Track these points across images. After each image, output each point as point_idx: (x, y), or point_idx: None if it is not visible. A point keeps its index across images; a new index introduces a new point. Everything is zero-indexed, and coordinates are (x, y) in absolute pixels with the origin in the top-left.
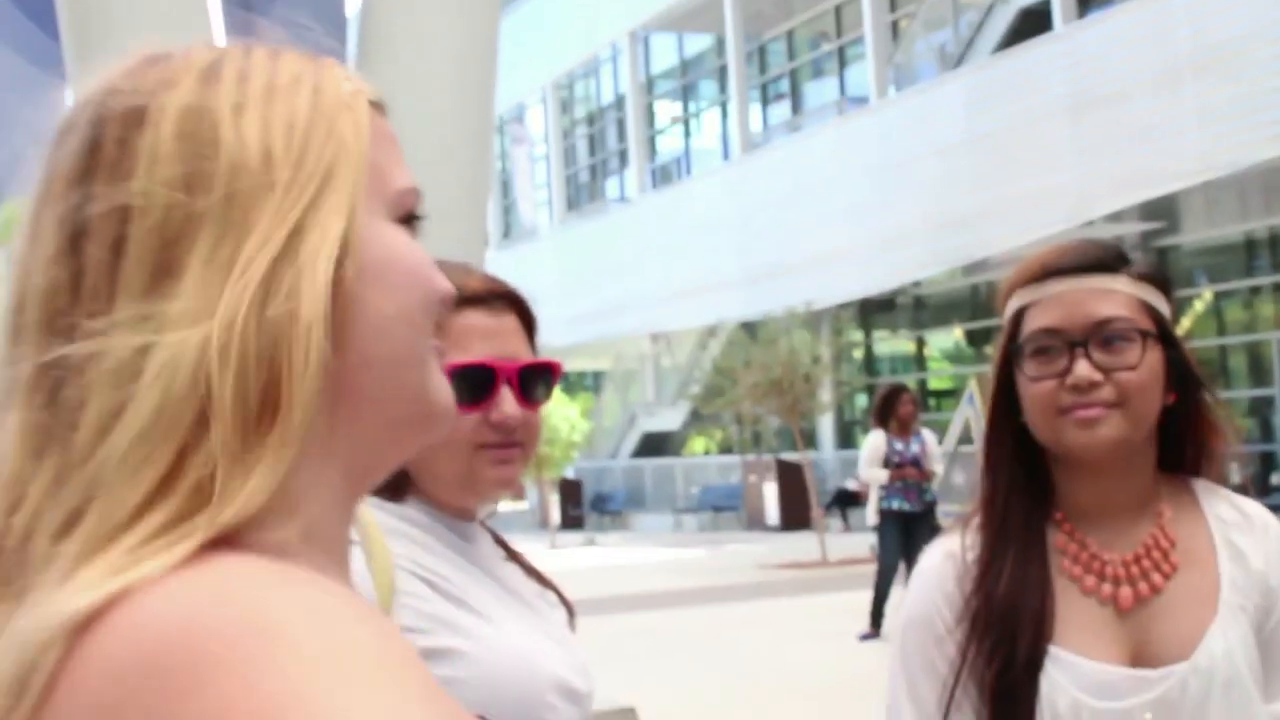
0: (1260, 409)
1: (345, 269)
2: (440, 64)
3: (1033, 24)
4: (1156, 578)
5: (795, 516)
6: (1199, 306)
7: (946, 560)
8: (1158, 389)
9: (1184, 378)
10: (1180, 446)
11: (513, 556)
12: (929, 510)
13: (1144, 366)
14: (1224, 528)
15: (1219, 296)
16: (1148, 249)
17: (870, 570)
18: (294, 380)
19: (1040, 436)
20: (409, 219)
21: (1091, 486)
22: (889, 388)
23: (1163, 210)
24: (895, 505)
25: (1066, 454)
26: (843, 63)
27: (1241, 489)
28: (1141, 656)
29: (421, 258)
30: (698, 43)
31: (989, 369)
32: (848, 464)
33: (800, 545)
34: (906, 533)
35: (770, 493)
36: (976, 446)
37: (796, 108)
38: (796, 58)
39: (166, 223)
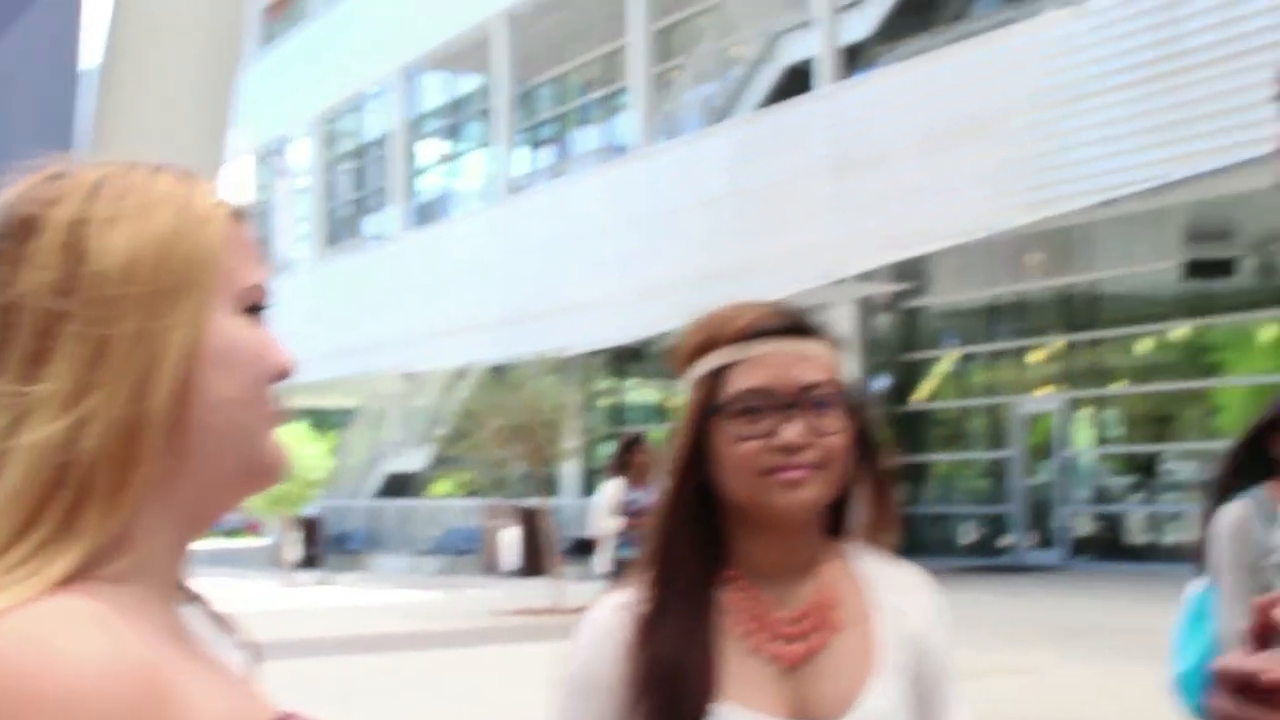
0: (996, 471)
1: (191, 362)
2: (181, 95)
3: (798, 82)
4: (821, 635)
5: (535, 562)
6: (943, 368)
7: (615, 613)
8: (851, 453)
9: (868, 445)
10: (841, 509)
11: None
12: None
13: (844, 432)
14: (882, 588)
15: (963, 359)
16: (897, 309)
17: None
18: (136, 458)
19: (738, 495)
20: (255, 309)
21: (770, 546)
22: (627, 437)
23: (914, 272)
24: (628, 554)
25: (764, 514)
26: (610, 111)
27: (974, 549)
28: (805, 712)
29: (259, 341)
30: (466, 83)
31: None
32: (591, 511)
33: (537, 591)
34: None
35: (511, 538)
36: None
37: (562, 153)
38: (564, 103)
39: (41, 319)
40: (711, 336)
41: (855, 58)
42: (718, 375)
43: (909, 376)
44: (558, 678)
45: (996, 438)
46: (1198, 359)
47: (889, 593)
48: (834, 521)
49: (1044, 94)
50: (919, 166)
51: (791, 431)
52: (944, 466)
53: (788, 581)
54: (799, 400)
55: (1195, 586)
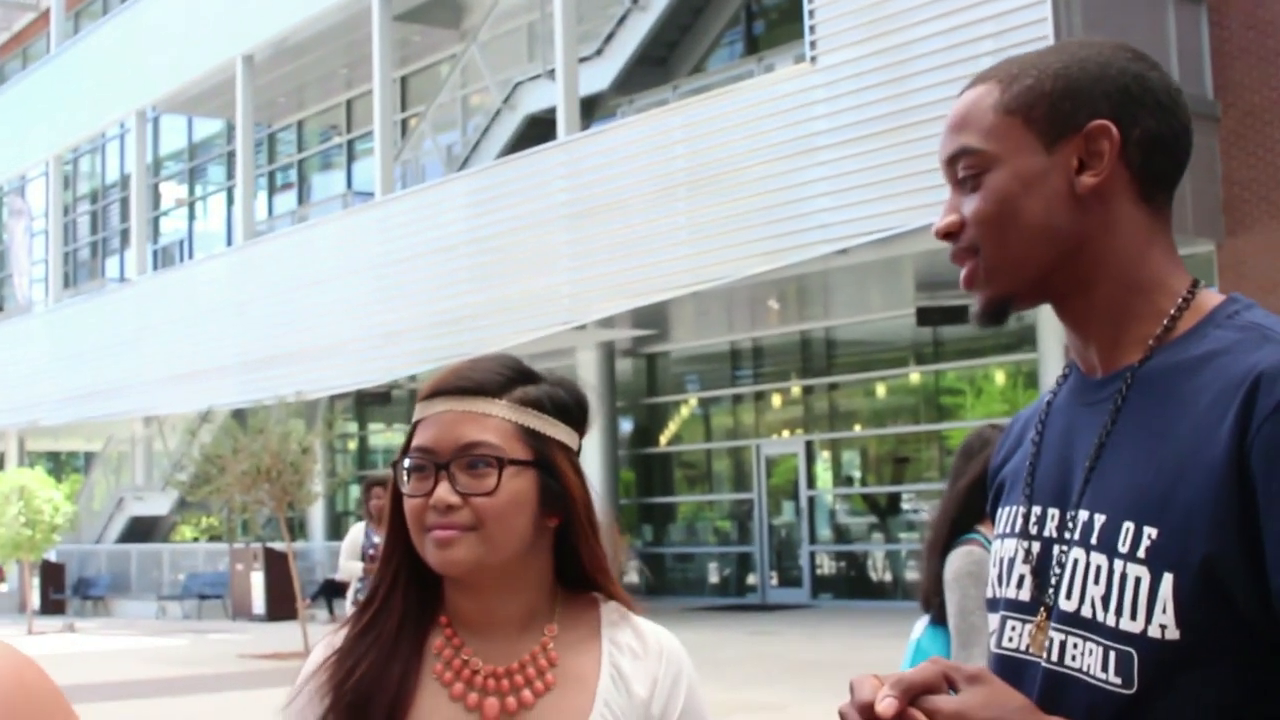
0: (741, 512)
1: None
2: None
3: (538, 132)
4: (527, 694)
5: (282, 606)
6: (685, 411)
7: (325, 650)
8: (522, 514)
9: (563, 500)
10: (578, 565)
11: None
12: None
13: (503, 492)
14: (615, 653)
15: (705, 403)
16: (638, 354)
17: None
18: None
19: (417, 550)
20: None
21: (471, 599)
22: (368, 481)
23: (655, 318)
24: None
25: (433, 569)
26: (351, 156)
27: (721, 588)
28: None
29: None
30: (207, 127)
31: None
32: (337, 554)
33: (284, 635)
34: None
35: (256, 581)
36: None
37: (303, 198)
38: (306, 148)
39: None
40: (420, 393)
41: (594, 108)
42: (411, 431)
43: (653, 420)
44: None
45: (740, 479)
46: (932, 402)
47: (622, 659)
48: (576, 575)
49: (778, 147)
50: (656, 215)
51: (441, 491)
52: (689, 507)
53: (499, 635)
54: (454, 460)
55: (918, 628)
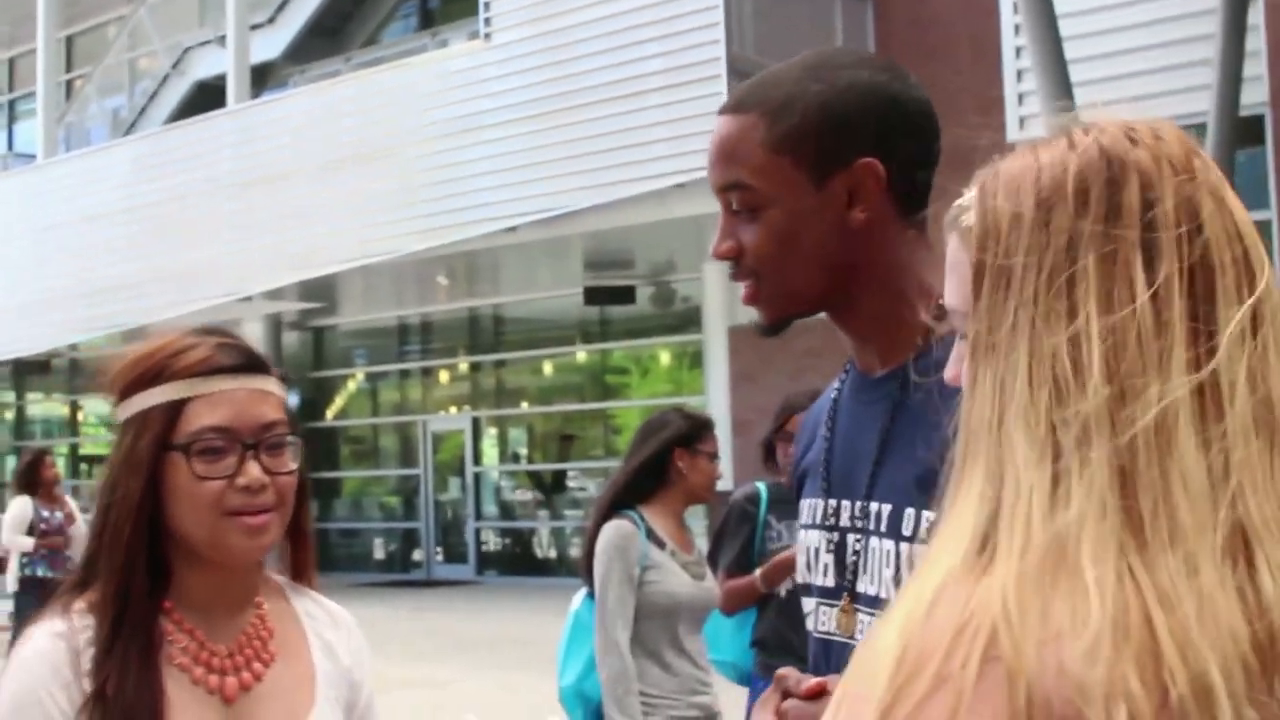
0: (407, 487)
1: None
2: None
3: (208, 98)
4: (257, 666)
5: None
6: (353, 386)
7: (57, 642)
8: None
9: (303, 485)
10: (297, 539)
11: None
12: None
13: (296, 471)
14: (314, 623)
15: (372, 378)
16: (306, 328)
17: (6, 639)
18: None
19: (193, 533)
20: None
21: (212, 581)
22: (31, 453)
23: (322, 291)
24: (39, 572)
25: (219, 554)
26: (13, 117)
27: (386, 564)
28: None
29: None
30: None
31: None
32: None
33: None
34: (46, 600)
35: None
36: None
37: None
38: None
39: None
40: (160, 367)
41: (266, 77)
42: (174, 409)
43: (320, 394)
44: None
45: (407, 455)
46: (599, 381)
47: (320, 627)
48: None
49: (446, 123)
50: (324, 188)
51: (254, 471)
52: (355, 482)
53: (223, 615)
54: (260, 440)
55: (576, 600)
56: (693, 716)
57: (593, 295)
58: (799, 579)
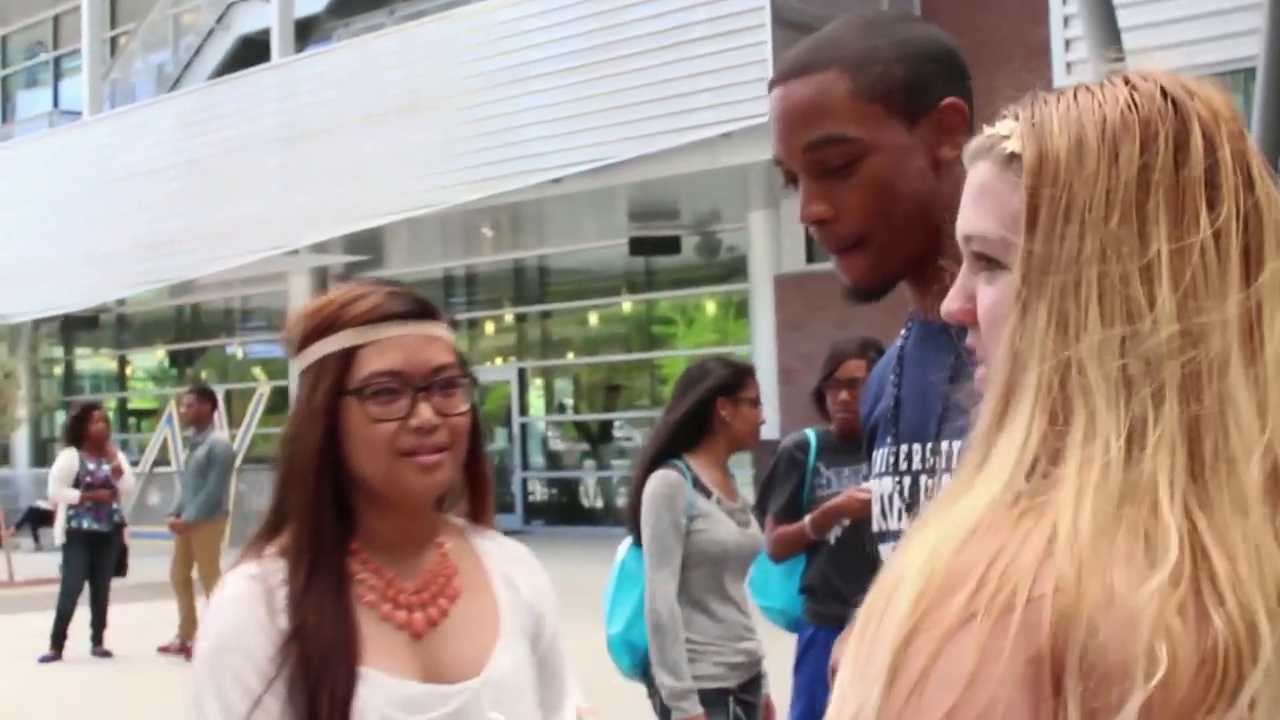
0: None
1: None
2: None
3: (252, 53)
4: (443, 602)
5: None
6: None
7: (253, 584)
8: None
9: (477, 424)
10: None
11: None
12: (116, 531)
13: (469, 412)
14: (494, 560)
15: None
16: (350, 279)
17: (56, 590)
18: None
19: (371, 475)
20: None
21: (396, 521)
22: (80, 407)
23: (368, 244)
24: (84, 525)
25: (396, 493)
26: (59, 74)
27: None
28: (440, 675)
29: None
30: None
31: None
32: (44, 481)
33: None
34: (92, 553)
35: None
36: (174, 467)
37: (7, 116)
38: (10, 65)
39: None
40: (333, 318)
41: (309, 31)
42: (347, 357)
43: None
44: (197, 652)
45: None
46: (644, 332)
47: (500, 563)
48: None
49: (491, 75)
50: (369, 141)
51: (426, 413)
52: None
53: (408, 553)
54: (431, 382)
55: (622, 549)
56: (739, 662)
57: (638, 245)
58: (875, 527)
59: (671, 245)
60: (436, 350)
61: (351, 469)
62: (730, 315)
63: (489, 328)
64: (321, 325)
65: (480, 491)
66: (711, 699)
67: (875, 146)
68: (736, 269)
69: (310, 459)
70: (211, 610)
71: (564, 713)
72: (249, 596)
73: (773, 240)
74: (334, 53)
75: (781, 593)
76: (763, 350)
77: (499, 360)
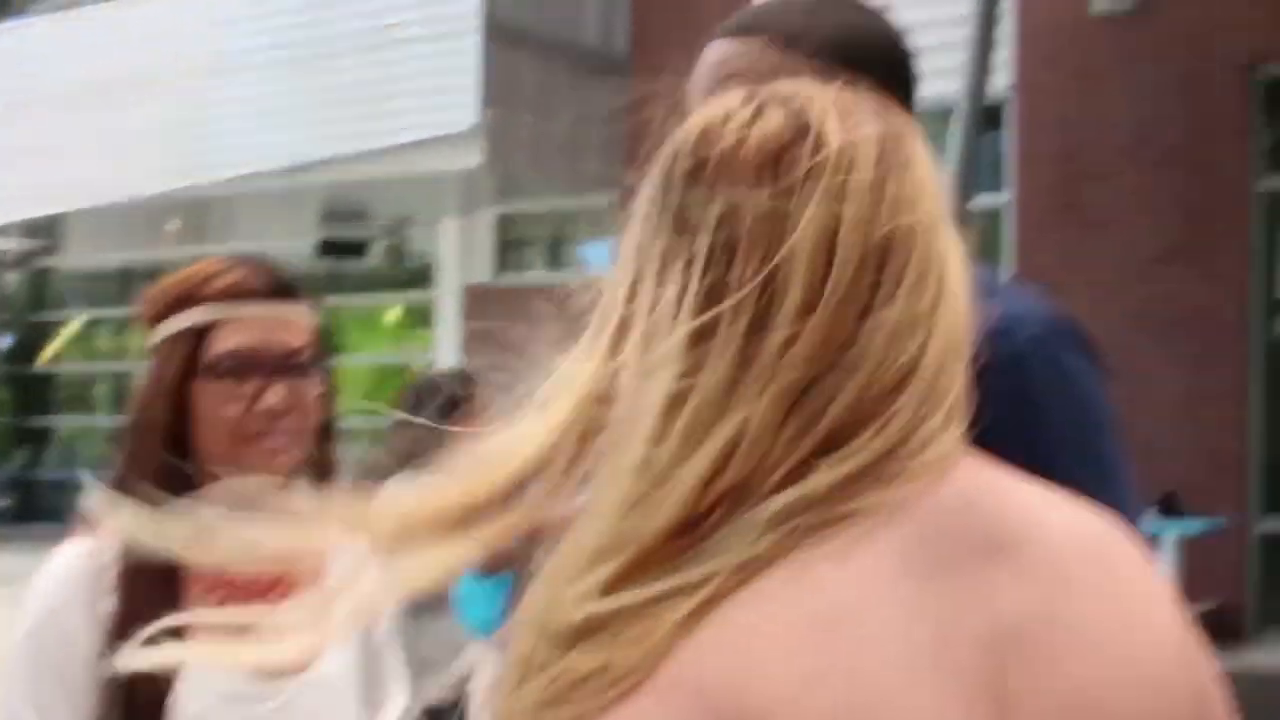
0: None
1: None
2: None
3: None
4: (275, 596)
5: None
6: (73, 330)
7: (80, 561)
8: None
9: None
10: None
11: None
12: None
13: (319, 397)
14: (332, 554)
15: (93, 323)
16: (27, 266)
17: None
18: None
19: (214, 456)
20: None
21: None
22: None
23: (47, 230)
24: None
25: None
26: None
27: None
28: (266, 670)
29: None
30: None
31: None
32: None
33: None
34: None
35: None
36: None
37: None
38: None
39: None
40: (190, 291)
41: (5, 5)
42: (200, 333)
43: (36, 337)
44: (19, 628)
45: (123, 403)
46: (326, 336)
47: (339, 558)
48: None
49: (192, 62)
50: (60, 124)
51: (275, 397)
52: (69, 431)
53: None
54: (284, 365)
55: None
56: None
57: (325, 248)
58: None
59: (359, 249)
60: (293, 332)
61: (196, 447)
62: (414, 323)
63: None
64: (179, 299)
65: (327, 479)
66: None
67: None
68: (421, 276)
69: (154, 434)
70: (36, 583)
71: (387, 711)
72: (78, 572)
73: (463, 250)
74: (28, 28)
75: None
76: (446, 361)
77: None
